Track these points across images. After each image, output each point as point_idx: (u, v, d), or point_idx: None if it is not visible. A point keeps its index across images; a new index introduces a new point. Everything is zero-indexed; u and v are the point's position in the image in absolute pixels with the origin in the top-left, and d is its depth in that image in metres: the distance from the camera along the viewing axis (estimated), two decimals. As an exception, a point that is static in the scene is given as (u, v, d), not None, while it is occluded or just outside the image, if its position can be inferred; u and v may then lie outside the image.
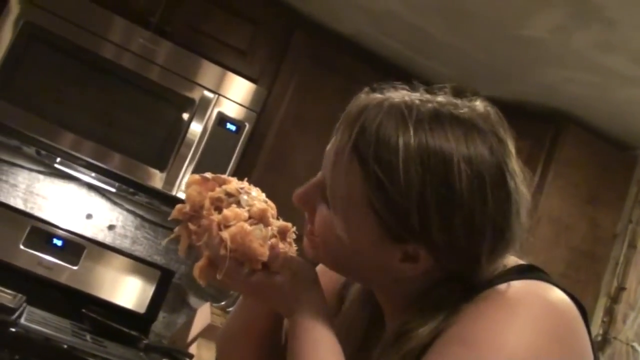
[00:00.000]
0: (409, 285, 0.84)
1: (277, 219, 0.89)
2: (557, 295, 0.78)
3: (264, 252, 0.84)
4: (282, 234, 0.87)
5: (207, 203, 0.87)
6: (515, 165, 0.80)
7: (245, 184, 0.92)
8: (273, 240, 0.85)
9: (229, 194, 0.88)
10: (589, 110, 2.67)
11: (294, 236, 0.89)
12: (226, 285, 0.89)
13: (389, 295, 0.91)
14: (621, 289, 2.70)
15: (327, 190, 0.83)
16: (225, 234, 0.84)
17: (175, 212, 0.91)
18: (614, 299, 2.69)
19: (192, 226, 0.88)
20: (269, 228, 0.87)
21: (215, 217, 0.86)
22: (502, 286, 0.78)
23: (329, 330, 0.84)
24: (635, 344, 2.61)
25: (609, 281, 2.72)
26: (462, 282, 0.81)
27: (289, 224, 0.88)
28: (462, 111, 0.80)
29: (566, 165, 2.72)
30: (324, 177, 0.86)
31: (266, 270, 0.85)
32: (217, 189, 0.89)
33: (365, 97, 0.88)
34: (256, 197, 0.90)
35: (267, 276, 0.85)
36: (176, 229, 0.92)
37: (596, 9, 2.07)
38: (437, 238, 0.77)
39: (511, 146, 0.81)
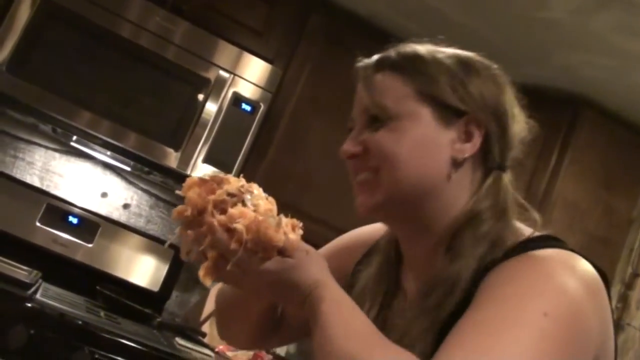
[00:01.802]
0: (455, 194, 0.92)
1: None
2: (585, 265, 0.85)
3: (280, 238, 0.84)
4: (292, 228, 0.87)
5: (209, 207, 0.85)
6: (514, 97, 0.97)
7: (243, 181, 0.90)
8: (286, 227, 0.86)
9: (231, 195, 0.87)
10: (607, 94, 2.64)
11: (301, 232, 0.88)
12: (235, 282, 0.89)
13: (426, 231, 0.93)
14: (635, 275, 2.68)
15: (375, 115, 0.93)
16: (239, 225, 0.83)
17: (175, 215, 0.89)
18: (628, 285, 2.68)
19: (190, 232, 0.87)
20: (281, 216, 0.87)
21: (219, 218, 0.84)
22: (536, 252, 0.85)
23: (353, 302, 0.86)
24: (634, 323, 2.60)
25: (624, 267, 2.71)
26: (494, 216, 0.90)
27: (296, 220, 0.89)
28: None
29: (582, 150, 2.69)
30: (362, 120, 0.95)
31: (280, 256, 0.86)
32: (219, 191, 0.87)
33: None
34: (258, 195, 0.89)
35: (282, 260, 0.85)
36: (177, 231, 0.90)
37: (617, -9, 2.04)
38: (478, 102, 0.92)
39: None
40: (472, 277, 0.86)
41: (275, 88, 2.57)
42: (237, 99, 2.50)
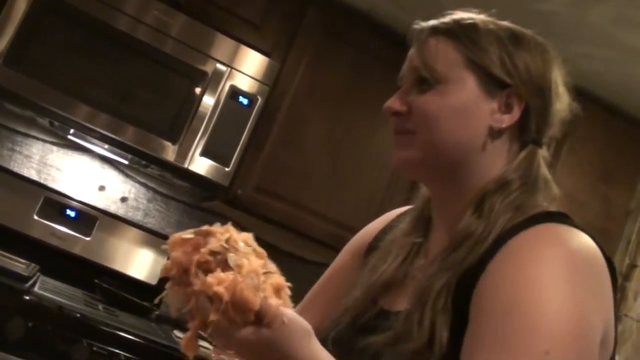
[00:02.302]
0: (490, 162, 0.95)
1: (270, 260, 0.86)
2: (591, 250, 0.87)
3: (255, 302, 0.78)
4: (276, 290, 0.82)
5: (193, 268, 0.82)
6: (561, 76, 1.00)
7: (231, 232, 0.85)
8: (267, 289, 0.81)
9: (214, 253, 0.83)
10: (605, 87, 2.64)
11: (289, 293, 0.84)
12: (222, 346, 0.85)
13: (458, 194, 0.96)
14: (633, 266, 2.69)
15: (423, 76, 0.96)
16: (220, 289, 0.79)
17: (162, 271, 0.86)
18: (626, 277, 2.69)
19: (179, 289, 0.83)
20: (266, 276, 0.82)
21: (201, 281, 0.81)
22: (545, 227, 0.87)
23: None
24: (631, 314, 2.61)
25: (621, 259, 2.72)
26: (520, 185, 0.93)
27: (283, 281, 0.84)
28: None
29: (580, 143, 2.69)
30: (411, 80, 0.99)
31: (257, 325, 0.79)
32: (202, 250, 0.83)
33: None
34: (243, 249, 0.84)
35: (256, 330, 0.79)
36: (167, 286, 0.87)
37: (614, -17, 2.04)
38: (524, 75, 0.94)
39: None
40: (494, 239, 0.88)
41: (272, 81, 2.56)
42: (235, 92, 2.50)
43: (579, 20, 2.27)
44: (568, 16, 2.27)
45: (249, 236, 0.86)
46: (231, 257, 0.82)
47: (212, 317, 0.78)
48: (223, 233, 0.84)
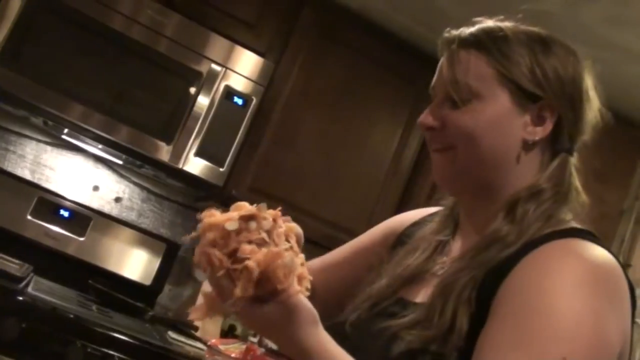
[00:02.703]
0: (524, 172, 0.96)
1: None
2: (609, 259, 0.89)
3: (283, 282, 0.80)
4: (299, 279, 0.83)
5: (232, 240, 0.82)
6: (591, 81, 1.01)
7: (277, 221, 0.85)
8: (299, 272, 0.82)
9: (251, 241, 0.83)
10: (597, 87, 2.65)
11: (308, 286, 0.85)
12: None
13: (491, 202, 0.98)
14: (627, 265, 2.70)
15: (456, 92, 0.96)
16: (251, 263, 0.79)
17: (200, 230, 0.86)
18: (619, 277, 2.70)
19: (223, 258, 0.82)
20: (301, 258, 0.84)
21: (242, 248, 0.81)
22: (571, 241, 0.89)
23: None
24: (638, 320, 2.62)
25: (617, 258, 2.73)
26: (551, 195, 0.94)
27: (307, 272, 0.85)
28: None
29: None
30: (443, 93, 0.98)
31: (266, 302, 0.81)
32: (240, 237, 0.82)
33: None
34: (282, 243, 0.85)
35: (259, 306, 0.81)
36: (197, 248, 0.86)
37: (607, -17, 2.05)
38: (555, 87, 0.95)
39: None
40: (523, 244, 0.90)
41: (267, 81, 2.56)
42: (229, 92, 2.50)
43: (571, 20, 2.28)
44: (560, 16, 2.28)
45: (291, 228, 0.86)
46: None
47: (239, 290, 0.79)
48: (267, 219, 0.84)
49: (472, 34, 0.99)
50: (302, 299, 0.82)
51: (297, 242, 0.88)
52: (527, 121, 0.96)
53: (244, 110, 2.52)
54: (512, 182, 0.97)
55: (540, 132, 0.96)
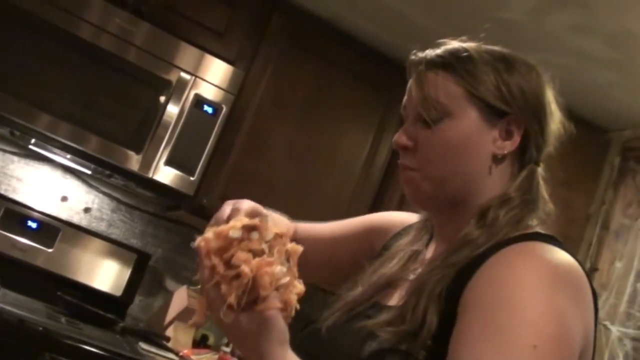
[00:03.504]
0: (494, 184, 1.00)
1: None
2: (569, 261, 0.93)
3: (268, 290, 0.80)
4: (286, 304, 0.83)
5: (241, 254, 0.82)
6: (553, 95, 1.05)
7: (282, 238, 0.86)
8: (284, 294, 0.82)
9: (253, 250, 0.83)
10: (563, 93, 2.68)
11: (292, 313, 0.84)
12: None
13: (462, 214, 1.01)
14: (594, 269, 2.74)
15: (426, 112, 1.00)
16: (245, 268, 0.80)
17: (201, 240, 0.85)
18: (587, 280, 2.73)
19: (219, 264, 0.82)
20: (293, 272, 0.84)
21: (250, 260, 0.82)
22: (534, 244, 0.93)
23: None
24: (607, 323, 2.66)
25: (582, 262, 2.76)
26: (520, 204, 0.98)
27: (294, 299, 0.85)
28: None
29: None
30: (415, 114, 1.02)
31: (246, 310, 0.81)
32: (242, 245, 0.83)
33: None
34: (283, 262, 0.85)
35: (236, 317, 0.81)
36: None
37: (572, -8, 2.08)
38: (520, 102, 0.99)
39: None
40: (489, 247, 0.93)
41: (237, 90, 2.56)
42: (199, 100, 2.49)
43: (537, 28, 2.32)
44: (526, 24, 2.32)
45: (296, 250, 0.86)
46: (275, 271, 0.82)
47: (233, 298, 0.80)
48: (269, 230, 0.85)
49: (438, 55, 1.02)
50: (279, 317, 0.82)
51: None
52: (495, 136, 1.00)
53: (214, 118, 2.51)
54: (483, 193, 1.01)
55: (508, 146, 1.00)
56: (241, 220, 0.86)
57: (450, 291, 0.91)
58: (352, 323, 0.99)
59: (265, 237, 0.84)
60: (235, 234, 0.84)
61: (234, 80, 2.55)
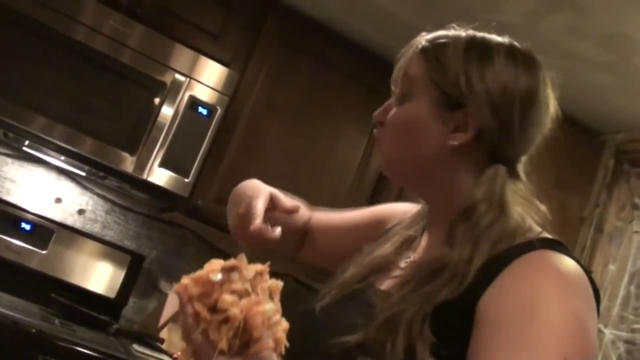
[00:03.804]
0: (455, 181, 0.98)
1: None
2: (579, 270, 0.91)
3: (261, 331, 0.79)
4: (277, 342, 0.83)
5: (226, 296, 0.81)
6: (546, 84, 1.02)
7: (262, 277, 0.85)
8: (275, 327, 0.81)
9: (235, 291, 0.82)
10: (558, 96, 2.70)
11: (282, 351, 0.83)
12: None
13: (440, 209, 1.02)
14: (587, 272, 2.74)
15: (396, 89, 1.03)
16: (235, 310, 0.79)
17: (179, 287, 0.84)
18: (581, 282, 2.74)
19: (203, 310, 0.81)
20: (284, 325, 0.83)
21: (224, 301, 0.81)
22: (536, 257, 0.90)
23: None
24: (601, 326, 2.67)
25: (583, 263, 2.77)
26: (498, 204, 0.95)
27: (284, 337, 0.84)
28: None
29: (535, 150, 2.74)
30: (394, 97, 1.04)
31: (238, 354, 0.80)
32: (224, 287, 0.82)
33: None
34: (266, 300, 0.84)
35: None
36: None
37: (566, -5, 2.09)
38: (479, 96, 0.96)
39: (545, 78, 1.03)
40: (485, 264, 0.90)
41: (232, 91, 2.56)
42: (194, 102, 2.49)
43: (532, 30, 2.32)
44: (522, 27, 2.32)
45: (277, 286, 0.86)
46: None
47: (224, 343, 0.78)
48: (249, 268, 0.83)
49: (426, 40, 1.03)
50: (274, 356, 0.81)
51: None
52: (449, 127, 0.98)
53: (209, 120, 2.51)
54: (447, 186, 1.00)
55: (458, 139, 0.97)
56: (218, 263, 0.84)
57: (441, 324, 0.88)
58: (346, 304, 1.00)
59: (246, 277, 0.83)
60: (215, 277, 0.82)
61: (228, 82, 2.55)
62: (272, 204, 1.12)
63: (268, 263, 0.86)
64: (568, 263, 0.91)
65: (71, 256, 2.64)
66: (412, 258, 1.04)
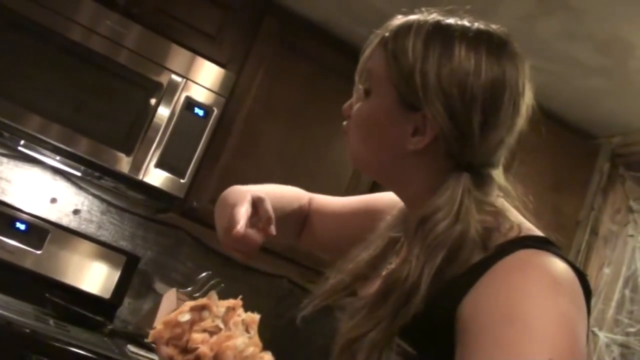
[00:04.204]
0: (417, 176, 0.94)
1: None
2: (566, 269, 0.87)
3: None
4: None
5: (195, 335, 0.81)
6: (517, 78, 0.94)
7: (235, 310, 0.85)
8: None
9: (206, 330, 0.82)
10: (553, 99, 2.71)
11: None
12: None
13: (403, 194, 0.99)
14: (583, 275, 2.75)
15: (358, 84, 0.99)
16: (204, 348, 0.79)
17: (151, 336, 0.84)
18: (576, 285, 2.74)
19: (174, 352, 0.81)
20: (256, 342, 0.82)
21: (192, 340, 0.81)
22: (521, 256, 0.86)
23: None
24: (595, 329, 2.67)
25: (574, 262, 2.77)
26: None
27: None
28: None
29: (530, 154, 2.75)
30: (358, 93, 1.00)
31: None
32: (195, 328, 0.82)
33: None
34: (240, 334, 0.83)
35: None
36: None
37: (562, -1, 2.10)
38: (435, 98, 0.88)
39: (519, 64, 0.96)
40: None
41: (228, 92, 2.56)
42: (190, 103, 2.49)
43: (528, 34, 2.33)
44: (517, 30, 2.32)
45: (254, 319, 0.84)
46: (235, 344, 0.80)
47: None
48: (220, 306, 0.83)
49: (387, 31, 0.97)
50: None
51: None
52: (408, 129, 0.92)
53: (205, 121, 2.51)
54: (414, 191, 0.96)
55: (414, 143, 0.91)
56: (189, 304, 0.84)
57: (423, 316, 0.84)
58: (324, 318, 0.96)
59: (217, 314, 0.82)
60: (184, 318, 0.82)
61: (225, 83, 2.55)
62: (255, 210, 1.05)
63: (240, 297, 0.85)
64: (552, 261, 0.87)
65: (66, 256, 2.64)
66: (393, 264, 0.99)
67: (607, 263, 2.78)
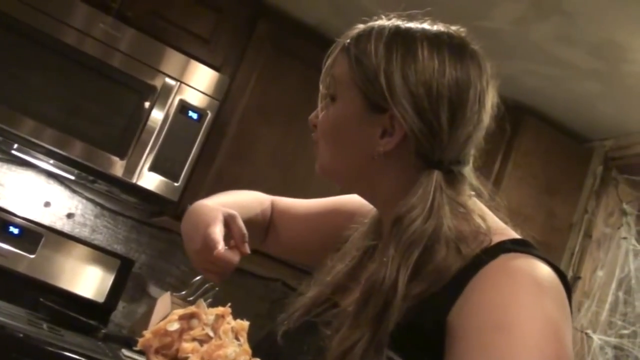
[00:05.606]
0: (388, 178, 0.94)
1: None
2: (549, 272, 0.87)
3: None
4: None
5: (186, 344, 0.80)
6: (481, 76, 0.95)
7: (224, 318, 0.84)
8: None
9: (196, 339, 0.81)
10: (547, 103, 2.72)
11: None
12: None
13: (375, 199, 0.99)
14: (576, 278, 2.76)
15: (323, 90, 1.00)
16: (195, 358, 0.78)
17: (140, 343, 0.84)
18: (569, 288, 2.75)
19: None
20: (246, 350, 0.81)
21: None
22: (507, 263, 0.86)
23: None
24: (589, 332, 2.68)
25: (565, 271, 2.78)
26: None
27: None
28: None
29: (525, 156, 2.76)
30: (324, 100, 1.01)
31: None
32: (185, 337, 0.81)
33: None
34: (229, 342, 0.82)
35: None
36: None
37: (555, 1, 2.11)
38: (401, 98, 0.89)
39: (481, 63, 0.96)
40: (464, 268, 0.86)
41: (222, 96, 2.56)
42: (184, 106, 2.48)
43: (522, 37, 2.34)
44: (511, 34, 2.33)
45: (243, 326, 0.84)
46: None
47: None
48: (209, 314, 0.82)
49: (349, 37, 0.98)
50: None
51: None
52: (376, 131, 0.93)
53: (199, 124, 2.50)
54: (386, 194, 0.96)
55: (383, 144, 0.92)
56: (178, 312, 0.83)
57: (409, 325, 0.84)
58: (307, 332, 0.94)
59: (206, 322, 0.81)
60: (173, 327, 0.81)
61: (219, 86, 2.55)
62: (227, 229, 1.02)
63: (229, 304, 0.84)
64: (535, 264, 0.87)
65: (60, 260, 2.63)
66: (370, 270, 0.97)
67: (600, 266, 2.79)
